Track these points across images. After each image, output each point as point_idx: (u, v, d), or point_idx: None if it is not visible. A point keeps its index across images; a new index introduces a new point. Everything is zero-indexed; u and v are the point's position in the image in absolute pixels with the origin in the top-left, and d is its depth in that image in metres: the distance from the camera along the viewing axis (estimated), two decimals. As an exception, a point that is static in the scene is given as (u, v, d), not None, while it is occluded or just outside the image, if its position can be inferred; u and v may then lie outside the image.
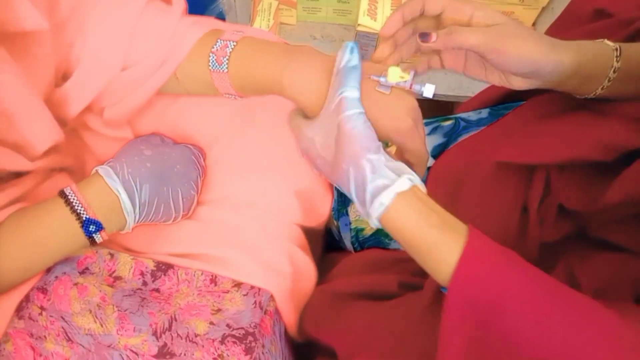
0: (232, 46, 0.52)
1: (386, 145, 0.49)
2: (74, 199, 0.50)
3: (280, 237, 0.62)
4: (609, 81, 0.48)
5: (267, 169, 0.64)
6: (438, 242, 0.40)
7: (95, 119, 0.61)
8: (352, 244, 0.72)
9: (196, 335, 0.51)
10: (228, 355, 0.50)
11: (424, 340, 0.51)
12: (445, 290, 0.40)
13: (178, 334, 0.51)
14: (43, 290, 0.52)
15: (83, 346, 0.50)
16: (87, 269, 0.55)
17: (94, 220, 0.50)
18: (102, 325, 0.51)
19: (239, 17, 1.06)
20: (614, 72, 0.47)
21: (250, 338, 0.52)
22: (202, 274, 0.58)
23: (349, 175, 0.43)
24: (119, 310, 0.52)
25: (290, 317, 0.61)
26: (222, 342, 0.51)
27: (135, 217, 0.53)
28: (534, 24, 1.11)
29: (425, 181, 0.45)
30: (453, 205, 0.44)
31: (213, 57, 0.52)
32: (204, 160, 0.63)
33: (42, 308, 0.51)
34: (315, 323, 0.62)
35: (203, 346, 0.50)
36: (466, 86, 1.09)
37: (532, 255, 0.55)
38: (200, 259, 0.59)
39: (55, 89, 0.54)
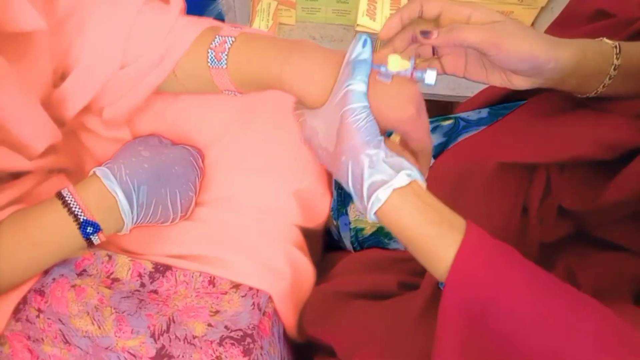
0: (231, 42, 0.52)
1: (390, 134, 0.49)
2: (71, 200, 0.50)
3: (278, 238, 0.62)
4: (609, 79, 0.48)
5: (265, 170, 0.64)
6: (435, 238, 0.41)
7: (94, 119, 0.61)
8: (352, 243, 0.72)
9: (194, 337, 0.51)
10: (226, 357, 0.50)
11: (423, 339, 0.51)
12: (442, 286, 0.40)
13: (176, 336, 0.51)
14: (40, 292, 0.52)
15: (81, 348, 0.50)
16: (84, 270, 0.55)
17: (92, 221, 0.50)
18: (99, 328, 0.50)
19: (238, 18, 1.06)
20: (615, 69, 0.47)
21: (248, 340, 0.52)
22: (200, 275, 0.57)
23: (347, 169, 0.44)
24: (116, 312, 0.51)
25: (289, 318, 0.61)
26: (220, 343, 0.51)
27: (133, 218, 0.53)
28: (532, 24, 1.11)
29: (426, 178, 0.45)
30: (453, 205, 0.44)
31: (212, 53, 0.52)
32: (202, 161, 0.63)
33: (39, 310, 0.51)
34: (315, 322, 0.62)
35: (201, 348, 0.50)
36: (465, 86, 1.09)
37: (531, 255, 0.55)
38: (198, 260, 0.59)
39: (53, 89, 0.54)
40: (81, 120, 0.61)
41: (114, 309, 0.52)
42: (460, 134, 0.68)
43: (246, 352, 0.51)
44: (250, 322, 0.54)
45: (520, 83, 0.48)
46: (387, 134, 0.45)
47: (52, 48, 0.51)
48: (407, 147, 0.48)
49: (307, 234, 0.67)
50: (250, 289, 0.57)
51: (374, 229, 0.69)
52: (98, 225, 0.51)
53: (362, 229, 0.69)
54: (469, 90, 1.08)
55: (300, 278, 0.63)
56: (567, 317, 0.37)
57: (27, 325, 0.51)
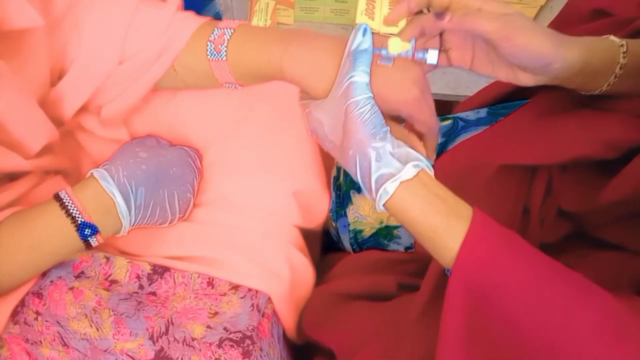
0: (230, 33, 0.52)
1: (397, 118, 0.49)
2: (69, 202, 0.50)
3: (277, 238, 0.62)
4: (615, 78, 0.47)
5: (264, 170, 0.63)
6: (442, 229, 0.41)
7: (91, 119, 0.61)
8: (351, 245, 0.72)
9: (193, 339, 0.51)
10: (225, 359, 0.50)
11: (422, 340, 0.51)
12: (449, 272, 0.41)
13: (175, 338, 0.51)
14: (38, 294, 0.52)
15: (79, 351, 0.50)
16: (82, 272, 0.55)
17: (89, 223, 0.50)
18: (98, 330, 0.50)
19: (236, 17, 1.06)
20: (620, 68, 0.47)
21: (248, 341, 0.52)
22: (198, 276, 0.57)
23: (355, 162, 0.44)
24: (115, 314, 0.51)
25: (288, 320, 0.60)
26: (219, 345, 0.51)
27: (131, 220, 0.53)
28: (532, 23, 1.11)
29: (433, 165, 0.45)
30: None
31: (211, 46, 0.52)
32: (200, 162, 0.63)
33: (37, 313, 0.51)
34: (314, 323, 0.62)
35: (200, 350, 0.50)
36: (465, 85, 1.09)
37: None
38: (197, 262, 0.58)
39: (50, 88, 0.54)
40: (78, 120, 0.60)
41: (112, 311, 0.51)
42: (459, 134, 0.67)
43: (245, 353, 0.51)
44: (249, 324, 0.53)
45: (526, 80, 0.48)
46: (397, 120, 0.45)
47: (49, 46, 0.51)
48: (413, 130, 0.48)
49: (306, 234, 0.67)
50: (250, 290, 0.57)
51: (373, 231, 0.68)
52: (96, 227, 0.50)
53: (361, 231, 0.69)
54: (469, 89, 1.08)
55: (299, 279, 0.62)
56: (570, 303, 0.38)
57: (25, 327, 0.51)
